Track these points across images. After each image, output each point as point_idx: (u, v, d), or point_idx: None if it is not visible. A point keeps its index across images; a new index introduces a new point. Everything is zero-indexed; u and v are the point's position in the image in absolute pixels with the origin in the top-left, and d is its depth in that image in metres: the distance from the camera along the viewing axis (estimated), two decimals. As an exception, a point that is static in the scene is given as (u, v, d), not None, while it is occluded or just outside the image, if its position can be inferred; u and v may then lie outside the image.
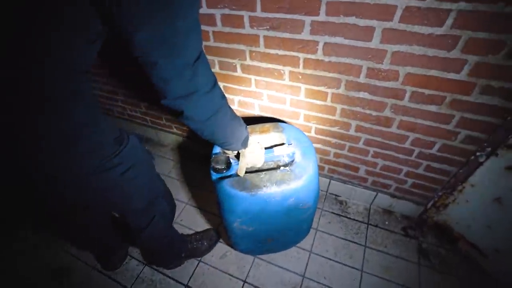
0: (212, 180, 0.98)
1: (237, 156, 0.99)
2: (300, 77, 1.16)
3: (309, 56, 1.07)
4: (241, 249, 1.27)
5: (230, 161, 1.01)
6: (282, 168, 0.95)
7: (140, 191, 0.81)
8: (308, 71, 1.12)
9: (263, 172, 0.94)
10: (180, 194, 1.75)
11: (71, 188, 0.68)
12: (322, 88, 1.16)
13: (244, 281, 1.33)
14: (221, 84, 1.39)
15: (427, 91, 0.98)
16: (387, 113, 1.11)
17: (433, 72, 0.92)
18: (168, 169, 1.93)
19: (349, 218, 1.55)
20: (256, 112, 1.43)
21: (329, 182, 1.61)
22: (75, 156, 0.60)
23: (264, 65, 1.19)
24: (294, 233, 1.21)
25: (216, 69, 1.32)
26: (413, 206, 1.46)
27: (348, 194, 1.61)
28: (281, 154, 1.01)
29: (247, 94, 1.36)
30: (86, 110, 0.58)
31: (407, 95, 1.02)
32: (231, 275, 1.36)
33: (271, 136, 1.09)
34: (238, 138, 0.82)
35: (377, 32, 0.90)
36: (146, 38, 0.48)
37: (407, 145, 1.19)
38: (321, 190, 1.68)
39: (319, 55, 1.05)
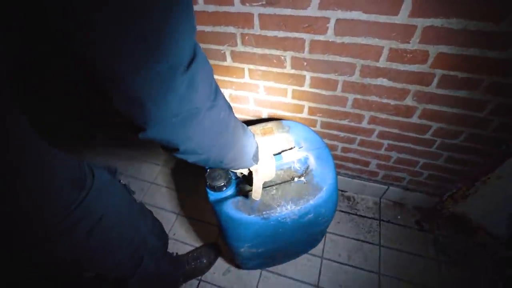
0: (210, 201, 0.79)
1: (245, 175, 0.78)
2: (305, 63, 0.96)
3: (316, 37, 0.87)
4: (248, 267, 1.11)
5: (230, 175, 0.82)
6: (296, 179, 0.77)
7: (120, 244, 0.60)
8: (315, 56, 0.92)
9: (274, 187, 0.76)
10: (170, 203, 1.55)
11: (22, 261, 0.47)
12: (331, 76, 0.97)
13: (253, 299, 1.19)
14: (208, 77, 1.16)
15: (460, 74, 0.82)
16: (409, 101, 0.95)
17: (472, 51, 0.75)
18: (153, 175, 1.71)
19: (359, 215, 1.42)
20: (251, 107, 1.23)
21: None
22: (8, 219, 0.39)
23: (260, 51, 0.98)
24: (308, 244, 1.06)
25: (200, 59, 1.09)
26: (427, 197, 1.36)
27: (356, 189, 1.48)
28: (292, 160, 0.83)
29: (240, 86, 1.15)
30: (14, 142, 0.36)
31: (436, 79, 0.86)
32: (237, 293, 1.21)
33: (276, 138, 0.90)
34: (248, 153, 0.60)
35: (406, 4, 0.71)
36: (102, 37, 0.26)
37: (428, 136, 1.05)
38: (326, 187, 1.54)
39: (330, 36, 0.85)
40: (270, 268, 1.26)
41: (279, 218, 0.72)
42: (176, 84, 0.33)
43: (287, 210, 0.71)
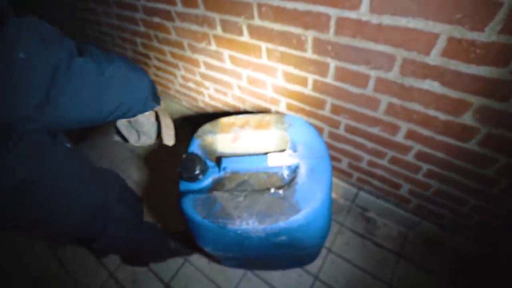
0: (179, 191, 0.70)
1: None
2: (330, 48, 0.75)
3: (345, 13, 0.66)
4: (226, 265, 1.03)
5: (206, 165, 0.72)
6: (273, 190, 0.63)
7: (63, 207, 0.58)
8: (342, 40, 0.71)
9: (243, 193, 0.63)
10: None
11: None
12: (361, 69, 0.75)
13: (230, 297, 1.12)
14: (225, 52, 1.04)
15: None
16: (467, 119, 0.68)
17: None
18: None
19: (375, 243, 1.18)
20: (268, 92, 1.08)
21: (357, 193, 1.23)
22: None
23: (278, 26, 0.80)
24: (295, 262, 0.92)
25: (218, 31, 0.97)
26: (474, 245, 1.04)
27: (380, 212, 1.23)
28: (278, 165, 0.68)
29: (257, 67, 1.00)
30: None
31: (517, 93, 0.57)
32: (218, 286, 1.15)
33: (269, 134, 0.75)
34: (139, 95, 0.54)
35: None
36: None
37: (490, 172, 0.75)
38: (345, 200, 1.32)
39: (363, 12, 0.63)
40: (257, 271, 1.16)
41: (238, 231, 0.60)
42: None
43: (247, 225, 0.58)
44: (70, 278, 1.25)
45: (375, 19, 0.63)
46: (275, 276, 1.14)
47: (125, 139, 0.70)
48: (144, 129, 0.67)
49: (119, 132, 0.68)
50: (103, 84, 0.44)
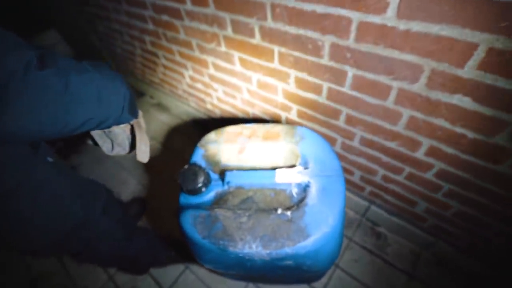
0: (179, 204, 0.66)
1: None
2: (349, 55, 0.69)
3: (369, 17, 0.59)
4: (228, 278, 0.98)
5: (209, 177, 0.67)
6: (280, 211, 0.57)
7: (42, 221, 0.54)
8: (364, 47, 0.65)
9: (247, 213, 0.58)
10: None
11: None
12: (383, 79, 0.68)
13: (230, 309, 1.07)
14: (235, 54, 0.99)
15: None
16: (501, 140, 0.61)
17: None
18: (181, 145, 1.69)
19: (386, 261, 1.11)
20: (279, 98, 1.02)
21: (368, 206, 1.16)
22: None
23: (292, 30, 0.75)
24: (300, 280, 0.86)
25: (228, 32, 0.92)
26: (490, 270, 0.96)
27: (392, 228, 1.16)
28: (287, 182, 0.62)
29: (269, 72, 0.94)
30: None
31: None
32: (217, 297, 1.11)
33: (278, 147, 0.69)
34: (116, 105, 0.50)
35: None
36: None
37: (521, 197, 0.68)
38: (355, 213, 1.25)
39: (389, 17, 0.57)
40: (261, 284, 1.11)
41: (240, 255, 0.55)
42: None
43: (250, 249, 0.53)
44: (69, 280, 1.23)
45: (402, 25, 0.56)
46: (278, 290, 1.09)
47: (97, 144, 0.66)
48: (118, 141, 0.64)
49: (92, 138, 0.65)
50: (67, 99, 0.40)
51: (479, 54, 0.52)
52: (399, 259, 1.11)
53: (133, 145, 0.67)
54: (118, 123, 0.54)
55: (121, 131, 0.63)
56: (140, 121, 0.62)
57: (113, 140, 0.64)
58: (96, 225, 0.67)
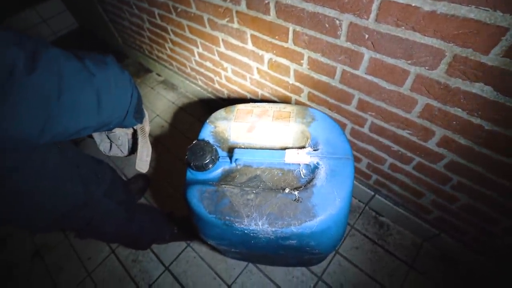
0: (186, 180, 0.66)
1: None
2: (367, 36, 0.66)
3: (393, -4, 0.56)
4: (229, 257, 1.00)
5: (217, 154, 0.66)
6: (288, 190, 0.57)
7: (43, 200, 0.54)
8: (384, 28, 0.62)
9: (254, 190, 0.58)
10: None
11: None
12: (400, 63, 0.66)
13: (229, 287, 1.10)
14: (248, 31, 0.96)
15: None
16: (519, 132, 0.59)
17: None
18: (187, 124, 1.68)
19: (387, 250, 1.12)
20: (290, 80, 1.00)
21: (373, 196, 1.16)
22: None
23: (309, 6, 0.71)
24: (300, 263, 0.87)
25: (242, 7, 0.89)
26: (492, 265, 0.96)
27: (395, 218, 1.16)
28: (296, 162, 0.62)
29: (281, 52, 0.92)
30: None
31: None
32: (217, 274, 1.14)
33: (289, 127, 0.68)
34: (122, 107, 0.46)
35: None
36: None
37: (533, 192, 0.66)
38: (359, 201, 1.26)
39: (415, -3, 0.54)
40: (260, 265, 1.13)
41: (245, 231, 0.55)
42: None
43: (256, 226, 0.53)
44: (72, 251, 1.27)
45: (428, 6, 0.53)
46: (278, 272, 1.11)
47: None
48: (117, 142, 0.61)
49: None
50: (59, 107, 0.35)
51: (508, 40, 0.49)
52: (400, 249, 1.12)
53: (133, 149, 0.64)
54: (121, 126, 0.51)
55: (122, 133, 0.59)
56: (145, 126, 0.58)
57: (112, 141, 0.61)
58: (98, 206, 0.68)
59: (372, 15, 0.62)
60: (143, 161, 0.60)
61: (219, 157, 0.66)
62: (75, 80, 0.36)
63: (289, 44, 0.87)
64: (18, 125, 0.32)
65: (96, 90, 0.39)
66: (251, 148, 0.67)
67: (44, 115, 0.34)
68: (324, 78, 0.87)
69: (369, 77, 0.75)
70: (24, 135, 0.33)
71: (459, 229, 0.94)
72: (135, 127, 0.57)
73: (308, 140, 0.65)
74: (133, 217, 0.86)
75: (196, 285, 1.12)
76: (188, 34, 1.27)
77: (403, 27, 0.59)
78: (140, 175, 1.45)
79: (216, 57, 1.25)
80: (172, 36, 1.41)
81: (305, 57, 0.86)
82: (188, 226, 1.19)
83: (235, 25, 0.97)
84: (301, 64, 0.90)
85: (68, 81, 0.35)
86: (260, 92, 1.20)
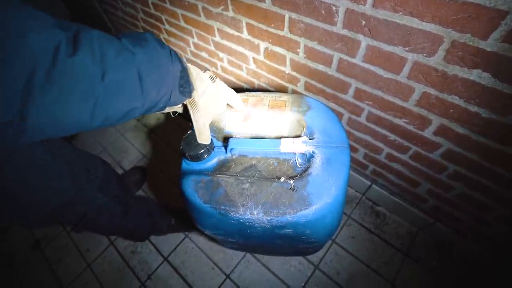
0: (180, 170, 0.65)
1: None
2: (364, 22, 0.65)
3: (391, -20, 0.55)
4: (227, 247, 1.01)
5: (212, 144, 0.66)
6: (283, 179, 0.57)
7: (35, 197, 0.54)
8: (381, 14, 0.61)
9: (249, 179, 0.57)
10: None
11: None
12: (397, 50, 0.65)
13: (227, 276, 1.11)
14: (243, 20, 0.94)
15: None
16: (516, 119, 0.58)
17: None
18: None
19: (383, 239, 1.14)
20: (287, 69, 0.98)
21: (370, 186, 1.16)
22: None
23: (306, -8, 0.70)
24: (297, 252, 0.88)
25: (237, -6, 0.86)
26: (486, 253, 0.97)
27: (391, 208, 1.17)
28: (292, 151, 0.61)
29: (277, 40, 0.90)
30: None
31: None
32: (215, 264, 1.15)
33: (284, 116, 0.67)
34: (168, 82, 0.43)
35: None
36: None
37: (528, 180, 0.67)
38: (355, 191, 1.26)
39: (413, -20, 0.52)
40: (257, 254, 1.14)
41: (241, 220, 0.55)
42: None
43: (251, 215, 0.53)
44: (72, 242, 1.28)
45: (427, -12, 0.52)
46: (275, 261, 1.12)
47: None
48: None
49: None
50: (105, 89, 0.34)
51: (507, 24, 0.48)
52: (396, 238, 1.13)
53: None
54: (166, 106, 0.47)
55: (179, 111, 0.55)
56: (196, 98, 0.53)
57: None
58: (91, 201, 0.68)
59: (369, 1, 0.60)
60: (202, 133, 0.57)
61: (214, 147, 0.65)
62: (117, 60, 0.35)
63: (285, 32, 0.85)
64: (70, 109, 0.31)
65: (137, 69, 0.38)
66: (246, 137, 0.67)
67: (92, 97, 0.33)
68: (320, 67, 0.85)
69: (366, 65, 0.74)
70: (76, 119, 0.33)
71: (454, 217, 0.95)
72: (185, 102, 0.53)
73: (304, 129, 0.64)
74: (129, 210, 0.86)
75: (194, 275, 1.14)
76: (182, 23, 1.24)
77: (400, 13, 0.58)
78: (137, 167, 1.45)
79: (212, 47, 1.23)
80: (167, 26, 1.38)
81: (302, 46, 0.84)
82: (185, 217, 1.20)
83: (230, 13, 0.95)
84: (297, 53, 0.88)
85: (110, 62, 0.34)
86: (257, 83, 1.19)
